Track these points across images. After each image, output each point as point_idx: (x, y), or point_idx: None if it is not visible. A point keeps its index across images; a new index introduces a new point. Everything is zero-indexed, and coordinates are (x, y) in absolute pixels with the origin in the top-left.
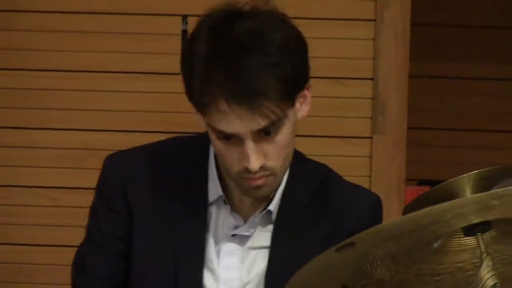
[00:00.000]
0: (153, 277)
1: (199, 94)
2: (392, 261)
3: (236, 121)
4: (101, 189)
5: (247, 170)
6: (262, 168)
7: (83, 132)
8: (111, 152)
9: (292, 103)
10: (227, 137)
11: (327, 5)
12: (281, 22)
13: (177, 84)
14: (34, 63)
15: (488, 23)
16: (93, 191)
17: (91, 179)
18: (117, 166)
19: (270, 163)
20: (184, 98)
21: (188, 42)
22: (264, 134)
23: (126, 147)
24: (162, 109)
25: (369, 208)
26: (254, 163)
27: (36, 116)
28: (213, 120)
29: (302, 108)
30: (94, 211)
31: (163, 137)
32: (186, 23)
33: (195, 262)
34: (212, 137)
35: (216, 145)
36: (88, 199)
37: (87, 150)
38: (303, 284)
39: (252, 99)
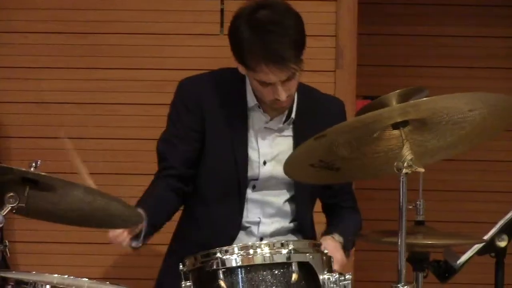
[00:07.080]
0: (218, 154)
1: (247, 61)
2: (349, 145)
3: (273, 76)
4: (182, 100)
5: (277, 100)
6: (288, 97)
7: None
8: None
9: (301, 62)
10: (266, 84)
11: None
12: (290, 11)
13: (217, 41)
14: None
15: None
16: None
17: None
18: (192, 85)
19: (290, 93)
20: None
21: (233, 28)
22: (287, 79)
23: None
24: (210, 55)
25: (338, 108)
26: (284, 97)
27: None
28: (257, 75)
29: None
30: (176, 112)
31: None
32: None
33: (243, 143)
34: (254, 82)
35: (256, 87)
36: None
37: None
38: (297, 159)
39: (282, 63)
